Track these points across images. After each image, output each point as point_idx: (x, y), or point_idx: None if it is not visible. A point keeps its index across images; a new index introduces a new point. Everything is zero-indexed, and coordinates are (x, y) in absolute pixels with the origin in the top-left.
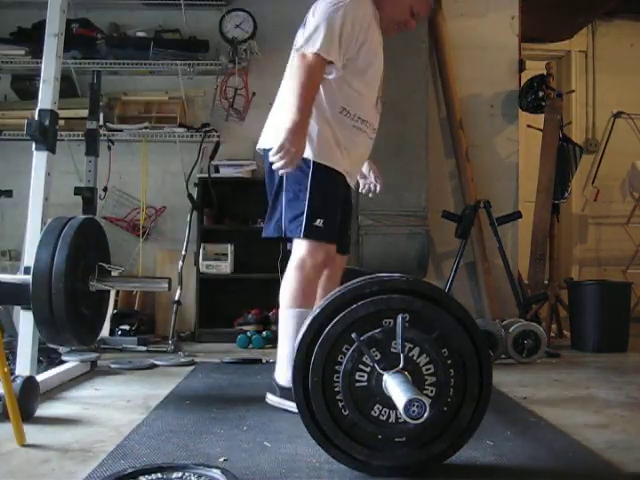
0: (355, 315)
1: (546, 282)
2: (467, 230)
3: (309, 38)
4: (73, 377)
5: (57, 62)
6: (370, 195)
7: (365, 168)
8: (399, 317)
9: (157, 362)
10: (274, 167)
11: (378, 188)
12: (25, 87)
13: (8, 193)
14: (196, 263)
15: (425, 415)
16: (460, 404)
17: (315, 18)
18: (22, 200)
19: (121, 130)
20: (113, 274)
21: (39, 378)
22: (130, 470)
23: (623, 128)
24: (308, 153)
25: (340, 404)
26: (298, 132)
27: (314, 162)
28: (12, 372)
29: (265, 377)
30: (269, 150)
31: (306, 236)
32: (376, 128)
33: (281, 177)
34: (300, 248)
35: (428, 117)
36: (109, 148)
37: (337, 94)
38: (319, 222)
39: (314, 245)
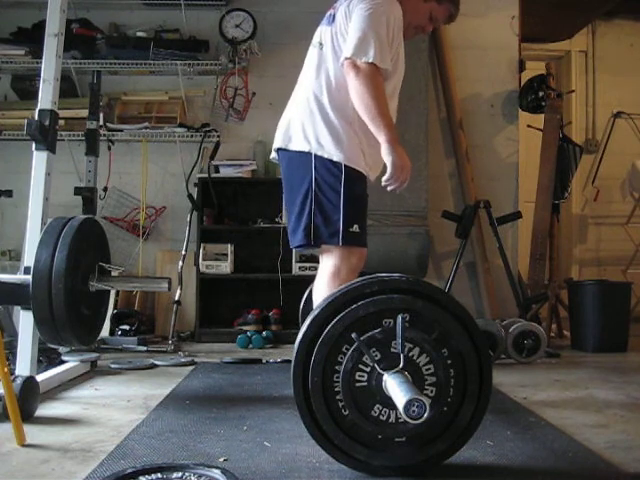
0: (355, 315)
1: (546, 282)
2: (467, 230)
3: (359, 47)
4: (73, 377)
5: (57, 62)
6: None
7: None
8: (399, 317)
9: (157, 362)
10: (390, 189)
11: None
12: (25, 87)
13: (8, 193)
14: (196, 263)
15: (425, 415)
16: (460, 404)
17: (356, 24)
18: (22, 200)
19: (121, 130)
20: (113, 274)
21: (39, 378)
22: (130, 470)
23: (623, 128)
24: (339, 156)
25: (340, 404)
26: (398, 148)
27: (345, 166)
28: (12, 372)
29: (265, 377)
30: (297, 152)
31: (345, 243)
32: None
33: (309, 183)
34: (333, 255)
35: (428, 117)
36: (109, 148)
37: None
38: (355, 227)
39: (348, 250)
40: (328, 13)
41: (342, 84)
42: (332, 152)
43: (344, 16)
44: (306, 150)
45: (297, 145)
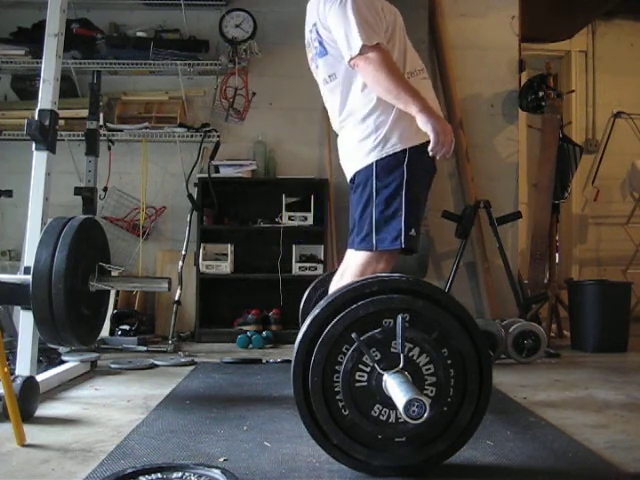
0: (355, 315)
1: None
2: (467, 230)
3: (349, 42)
4: (73, 377)
5: (57, 62)
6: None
7: None
8: (399, 317)
9: (157, 362)
10: (439, 157)
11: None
12: (25, 87)
13: (8, 193)
14: (196, 263)
15: (425, 415)
16: (460, 404)
17: (335, 26)
18: (22, 200)
19: (121, 130)
20: (113, 274)
21: (39, 378)
22: (130, 470)
23: (623, 128)
24: (399, 145)
25: (340, 404)
26: (433, 113)
27: (409, 149)
28: (12, 372)
29: (265, 377)
30: (360, 170)
31: (406, 246)
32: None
33: (371, 189)
34: (361, 257)
35: None
36: (109, 148)
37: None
38: (413, 231)
39: (378, 255)
40: (310, 54)
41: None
42: (393, 143)
43: (325, 29)
44: (367, 164)
45: (360, 165)
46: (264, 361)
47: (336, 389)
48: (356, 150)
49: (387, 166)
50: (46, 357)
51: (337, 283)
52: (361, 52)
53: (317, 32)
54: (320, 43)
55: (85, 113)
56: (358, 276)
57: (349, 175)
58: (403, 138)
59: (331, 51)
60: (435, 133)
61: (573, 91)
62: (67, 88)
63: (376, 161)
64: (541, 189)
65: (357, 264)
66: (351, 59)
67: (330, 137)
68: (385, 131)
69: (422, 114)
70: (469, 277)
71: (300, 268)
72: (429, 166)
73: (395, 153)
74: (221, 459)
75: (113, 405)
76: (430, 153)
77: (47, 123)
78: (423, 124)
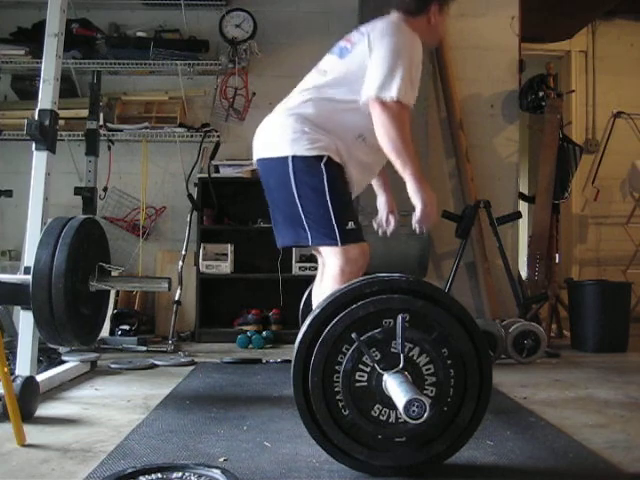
0: (355, 315)
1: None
2: (467, 230)
3: (384, 83)
4: (73, 377)
5: (57, 62)
6: (380, 232)
7: (381, 201)
8: (399, 317)
9: (157, 362)
10: (418, 231)
11: (391, 225)
12: (25, 87)
13: (8, 193)
14: (196, 263)
15: (425, 415)
16: (460, 404)
17: (380, 59)
18: (22, 200)
19: (121, 130)
20: (113, 274)
21: (39, 378)
22: (130, 470)
23: (623, 128)
24: (318, 151)
25: (340, 404)
26: (424, 183)
27: (328, 156)
28: (12, 372)
29: (265, 377)
30: (274, 159)
31: (344, 243)
32: None
33: (292, 189)
34: (335, 255)
35: (428, 117)
36: (109, 148)
37: (361, 122)
38: (350, 225)
39: (348, 249)
40: (341, 44)
41: (340, 115)
42: (318, 147)
43: (366, 45)
44: (282, 155)
45: (273, 152)
46: (264, 361)
47: (336, 389)
48: (275, 132)
49: (307, 166)
50: (46, 357)
51: (318, 285)
52: (388, 98)
53: (359, 39)
54: (352, 47)
55: (85, 113)
56: (340, 275)
57: (257, 154)
58: (326, 149)
59: (348, 61)
60: (423, 205)
61: (573, 91)
62: (67, 88)
63: (294, 156)
64: (541, 189)
65: (334, 264)
66: (374, 98)
67: None
68: (312, 136)
69: (415, 182)
70: (469, 277)
71: (300, 268)
72: (345, 182)
73: (317, 156)
74: (221, 459)
75: (113, 405)
76: (413, 224)
77: (47, 123)
78: (413, 192)
